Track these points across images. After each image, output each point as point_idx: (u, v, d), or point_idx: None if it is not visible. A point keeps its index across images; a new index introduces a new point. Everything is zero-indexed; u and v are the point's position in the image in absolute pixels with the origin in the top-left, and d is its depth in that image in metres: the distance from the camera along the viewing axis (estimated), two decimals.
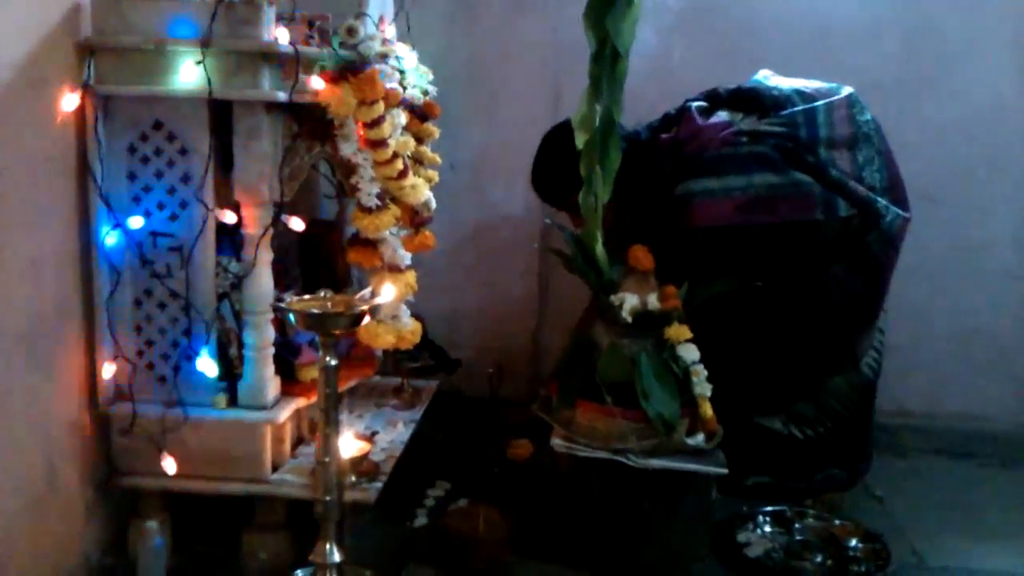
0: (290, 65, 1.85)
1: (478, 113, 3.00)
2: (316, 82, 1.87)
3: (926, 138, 2.77)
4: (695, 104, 2.51)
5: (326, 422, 1.71)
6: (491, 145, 3.03)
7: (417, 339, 2.14)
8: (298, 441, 2.14)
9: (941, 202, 2.81)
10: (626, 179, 2.20)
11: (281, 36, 1.87)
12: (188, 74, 1.81)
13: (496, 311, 3.09)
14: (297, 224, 2.04)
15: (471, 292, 3.10)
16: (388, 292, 1.95)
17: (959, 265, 2.87)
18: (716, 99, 2.50)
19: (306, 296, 1.80)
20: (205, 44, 1.79)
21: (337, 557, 1.74)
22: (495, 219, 3.07)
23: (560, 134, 2.45)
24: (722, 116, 2.42)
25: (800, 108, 2.35)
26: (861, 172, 2.34)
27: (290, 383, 2.08)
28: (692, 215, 2.27)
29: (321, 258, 2.56)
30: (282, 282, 2.22)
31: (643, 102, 2.61)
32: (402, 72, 2.16)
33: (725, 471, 1.98)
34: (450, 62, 2.89)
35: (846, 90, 2.43)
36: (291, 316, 1.69)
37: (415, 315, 2.12)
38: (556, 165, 2.49)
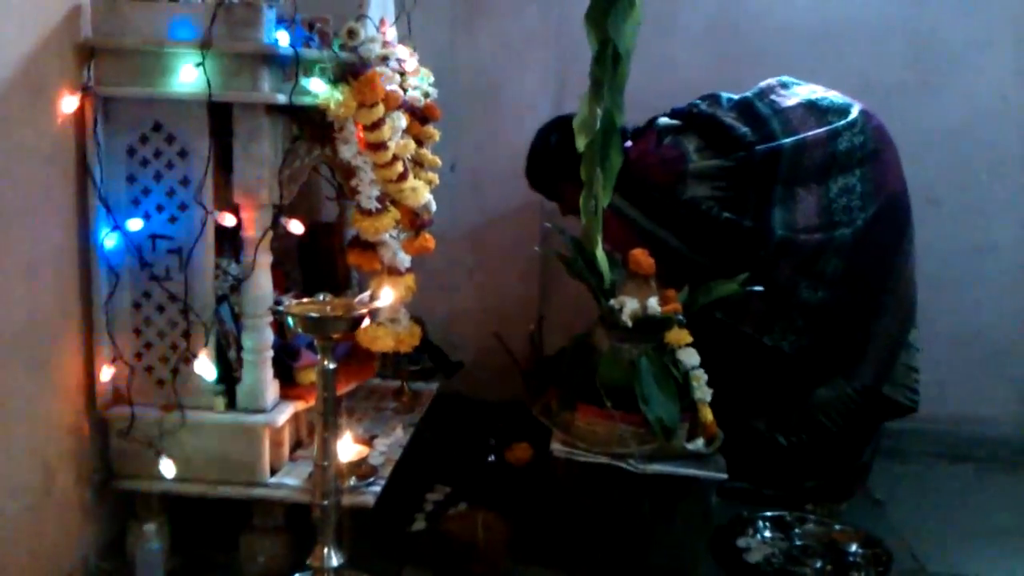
0: (290, 67, 1.84)
1: (479, 115, 2.99)
2: (316, 84, 1.86)
3: (929, 140, 2.76)
4: (663, 122, 2.51)
5: (324, 425, 1.70)
6: (492, 147, 3.01)
7: (416, 342, 2.15)
8: (297, 444, 2.14)
9: (943, 204, 2.80)
10: None
11: (281, 38, 1.86)
12: (188, 76, 1.81)
13: (496, 313, 3.08)
14: (297, 227, 2.04)
15: (471, 294, 3.09)
16: (388, 295, 1.95)
17: (961, 268, 2.86)
18: (689, 119, 2.48)
19: (305, 299, 1.79)
20: (205, 46, 1.79)
21: (335, 561, 1.73)
22: (495, 221, 3.06)
23: (552, 126, 2.62)
24: (682, 145, 2.41)
25: (763, 148, 2.33)
26: (832, 205, 2.34)
27: (289, 386, 2.07)
28: (607, 228, 2.29)
29: (321, 261, 2.56)
30: (281, 285, 2.21)
31: (644, 102, 2.59)
32: (402, 74, 2.15)
33: (725, 476, 1.97)
34: (451, 64, 2.89)
35: (853, 112, 2.40)
36: (290, 319, 1.68)
37: (415, 318, 2.12)
38: (545, 155, 2.63)
